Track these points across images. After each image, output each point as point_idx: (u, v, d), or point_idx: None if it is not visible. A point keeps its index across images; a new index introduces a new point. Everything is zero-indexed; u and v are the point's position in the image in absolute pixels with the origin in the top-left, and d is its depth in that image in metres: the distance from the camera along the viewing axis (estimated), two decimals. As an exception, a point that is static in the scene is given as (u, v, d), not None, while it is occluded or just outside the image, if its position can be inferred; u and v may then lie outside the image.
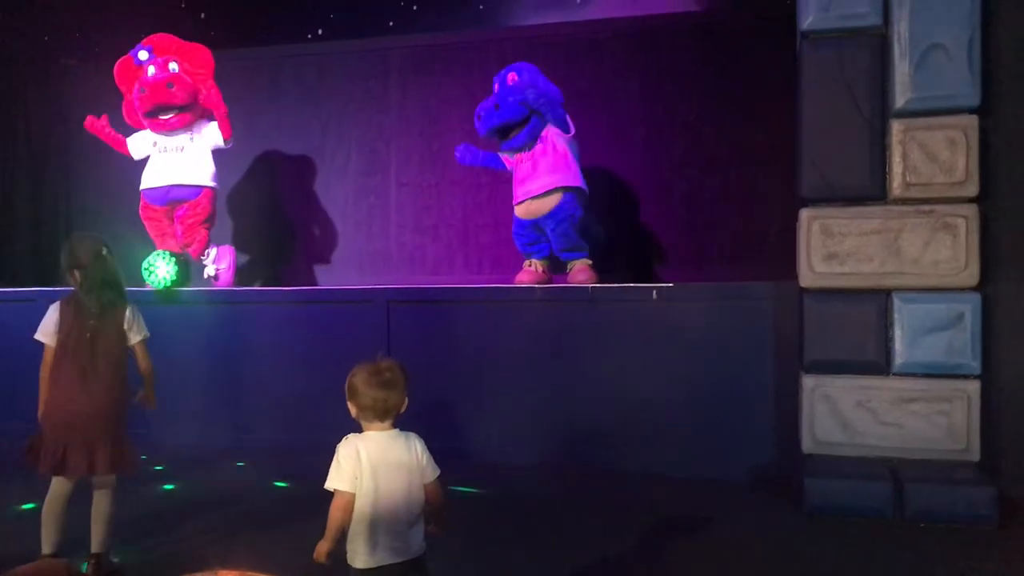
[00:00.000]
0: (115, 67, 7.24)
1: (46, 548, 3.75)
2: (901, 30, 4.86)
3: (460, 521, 4.67)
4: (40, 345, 3.79)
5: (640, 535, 4.44)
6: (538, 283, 6.43)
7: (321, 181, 8.35)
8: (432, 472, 2.87)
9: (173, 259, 7.01)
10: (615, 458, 5.69)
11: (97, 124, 7.27)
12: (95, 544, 3.78)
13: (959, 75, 4.78)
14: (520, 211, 6.54)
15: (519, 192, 6.51)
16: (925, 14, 4.81)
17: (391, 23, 7.90)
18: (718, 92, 7.12)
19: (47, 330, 3.75)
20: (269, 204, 8.47)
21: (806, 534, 4.43)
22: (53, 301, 3.85)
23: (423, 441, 2.92)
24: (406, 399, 2.97)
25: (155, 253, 7.03)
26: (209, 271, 7.15)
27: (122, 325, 3.79)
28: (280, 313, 6.62)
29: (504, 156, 6.69)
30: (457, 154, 6.89)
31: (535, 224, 6.49)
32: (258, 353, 6.55)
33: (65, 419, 3.67)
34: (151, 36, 7.24)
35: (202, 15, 8.20)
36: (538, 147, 6.40)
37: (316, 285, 7.97)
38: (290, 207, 8.47)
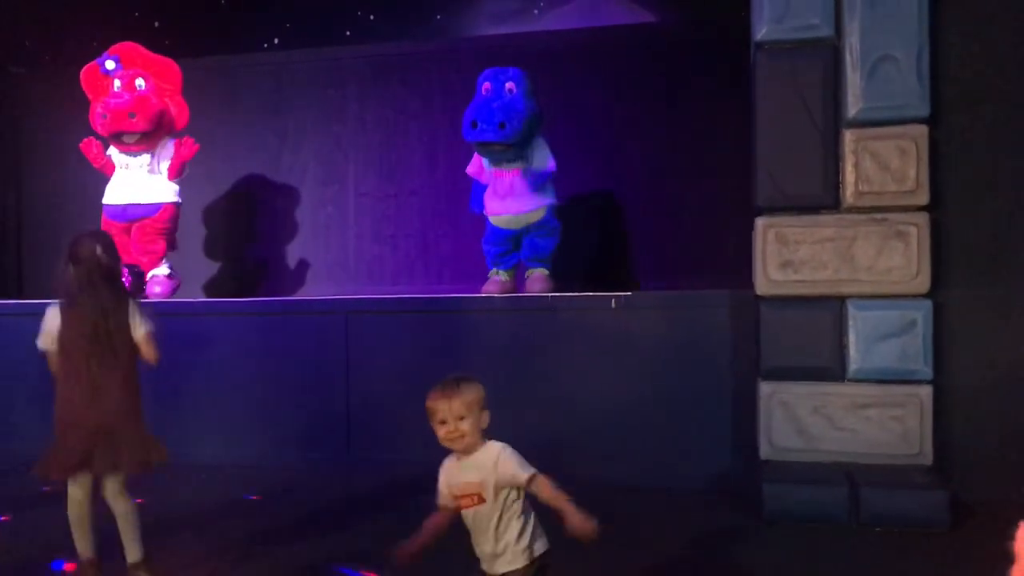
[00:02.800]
0: (81, 73, 7.17)
1: (86, 553, 3.68)
2: (853, 42, 4.94)
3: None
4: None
5: (597, 544, 4.43)
6: (505, 293, 6.43)
7: (278, 191, 8.28)
8: None
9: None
10: (573, 467, 5.65)
11: (92, 151, 7.16)
12: (135, 552, 3.71)
13: (909, 86, 4.87)
14: (500, 222, 6.52)
15: (501, 205, 6.47)
16: (876, 26, 4.90)
17: (348, 33, 7.88)
18: (674, 102, 7.18)
19: (49, 335, 3.65)
20: (225, 214, 8.38)
21: (764, 540, 4.46)
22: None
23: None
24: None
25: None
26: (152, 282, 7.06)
27: (126, 320, 3.68)
28: (236, 324, 6.53)
29: (483, 167, 6.61)
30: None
31: (513, 235, 6.51)
32: (213, 365, 6.46)
33: (83, 421, 3.58)
34: (119, 44, 7.17)
35: (156, 24, 8.11)
36: (518, 170, 6.41)
37: (274, 296, 7.89)
38: (247, 217, 8.38)
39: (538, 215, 6.46)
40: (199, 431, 6.41)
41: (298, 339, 6.35)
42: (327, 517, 4.99)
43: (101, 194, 7.33)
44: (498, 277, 6.59)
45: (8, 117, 8.74)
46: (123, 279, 3.85)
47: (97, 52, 7.26)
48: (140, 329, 3.73)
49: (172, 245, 7.43)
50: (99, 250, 3.67)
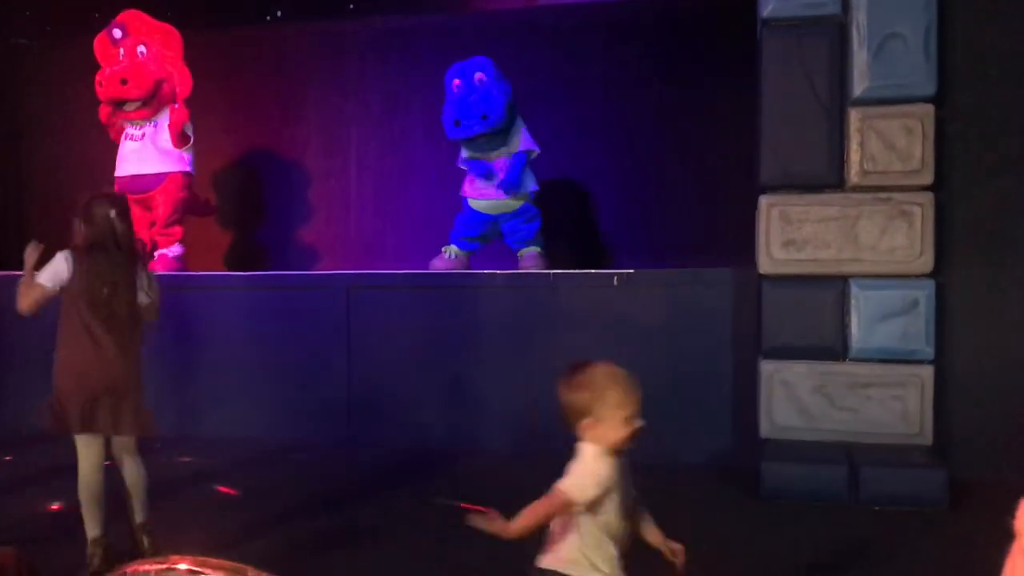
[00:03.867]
0: (94, 43, 7.18)
1: (95, 530, 3.61)
2: (860, 19, 4.90)
3: (429, 511, 4.69)
4: None
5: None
6: (453, 269, 6.48)
7: (280, 165, 8.24)
8: None
9: None
10: (574, 444, 5.69)
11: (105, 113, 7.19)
12: (141, 513, 3.70)
13: (916, 64, 4.84)
14: (481, 206, 6.54)
15: (483, 191, 6.49)
16: (883, 4, 4.86)
17: (351, 5, 7.81)
18: (678, 79, 7.12)
19: (56, 276, 3.57)
20: (227, 188, 8.34)
21: (763, 518, 4.47)
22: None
23: None
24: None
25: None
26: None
27: (133, 285, 3.65)
28: (237, 298, 6.54)
29: (465, 155, 6.64)
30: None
31: (489, 220, 6.52)
32: (214, 339, 6.47)
33: (89, 377, 3.55)
34: (125, 13, 7.17)
35: (160, -6, 8.04)
36: (504, 152, 6.44)
37: (275, 270, 7.88)
38: (248, 191, 8.35)
39: (517, 203, 6.47)
40: (200, 404, 6.43)
41: (299, 314, 6.35)
42: (327, 490, 5.01)
43: (103, 165, 7.31)
44: (447, 255, 6.60)
45: (10, 88, 8.69)
46: (136, 244, 3.80)
47: (100, 23, 7.24)
48: (147, 297, 3.70)
49: (205, 212, 7.49)
50: (113, 214, 3.64)
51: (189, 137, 7.17)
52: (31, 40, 8.61)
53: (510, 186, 6.37)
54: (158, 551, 3.58)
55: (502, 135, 6.39)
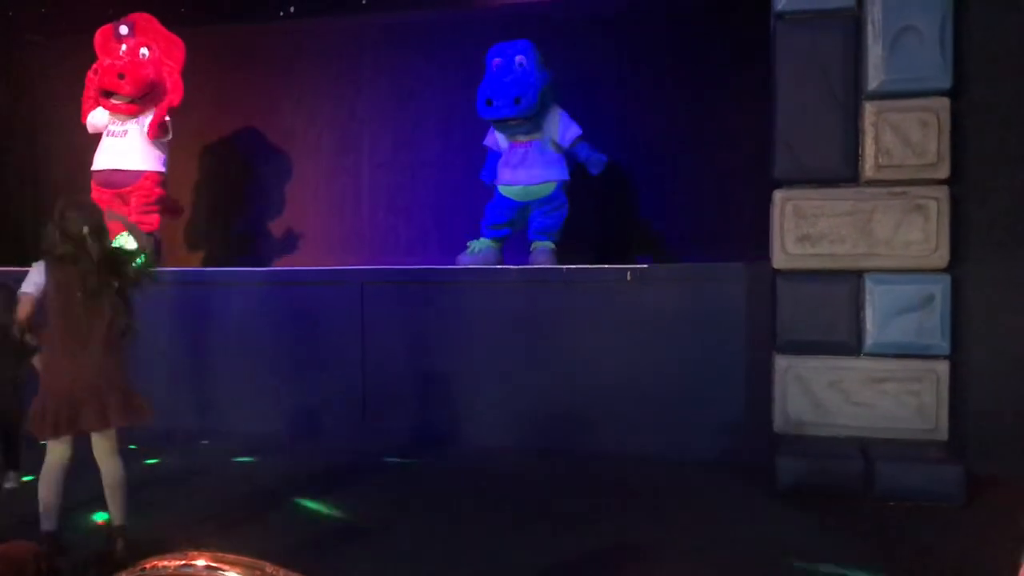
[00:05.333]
0: (95, 35, 7.26)
1: (47, 524, 3.67)
2: (874, 12, 4.87)
3: (443, 504, 4.70)
4: None
5: (614, 515, 4.46)
6: (485, 264, 6.47)
7: (293, 160, 8.26)
8: None
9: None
10: (590, 439, 5.70)
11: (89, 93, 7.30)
12: (117, 516, 3.72)
13: (931, 58, 4.80)
14: (510, 192, 6.54)
15: (512, 175, 6.50)
16: (899, -4, 4.83)
17: (363, 1, 7.81)
18: (691, 73, 7.09)
19: (37, 287, 3.66)
20: (240, 183, 8.37)
21: (778, 512, 4.47)
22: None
23: None
24: None
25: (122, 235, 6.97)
26: None
27: (109, 282, 3.69)
28: (252, 294, 6.56)
29: (498, 137, 6.67)
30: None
31: (519, 208, 6.50)
32: (228, 334, 6.50)
33: (71, 380, 3.62)
34: (136, 13, 7.27)
35: (170, -9, 8.06)
36: (536, 141, 6.45)
37: (289, 266, 7.91)
38: (262, 187, 8.37)
39: (547, 189, 6.47)
40: (214, 399, 6.46)
41: (313, 309, 6.37)
42: (341, 483, 5.03)
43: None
44: (472, 250, 6.58)
45: (25, 84, 8.74)
46: (108, 248, 3.82)
47: (113, 19, 7.29)
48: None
49: (174, 212, 7.56)
50: (86, 230, 3.66)
51: (168, 131, 7.25)
52: (46, 37, 8.65)
53: (600, 161, 6.42)
54: (132, 555, 3.57)
55: (535, 120, 6.40)
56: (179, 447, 5.88)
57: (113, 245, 3.88)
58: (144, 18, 7.24)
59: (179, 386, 6.47)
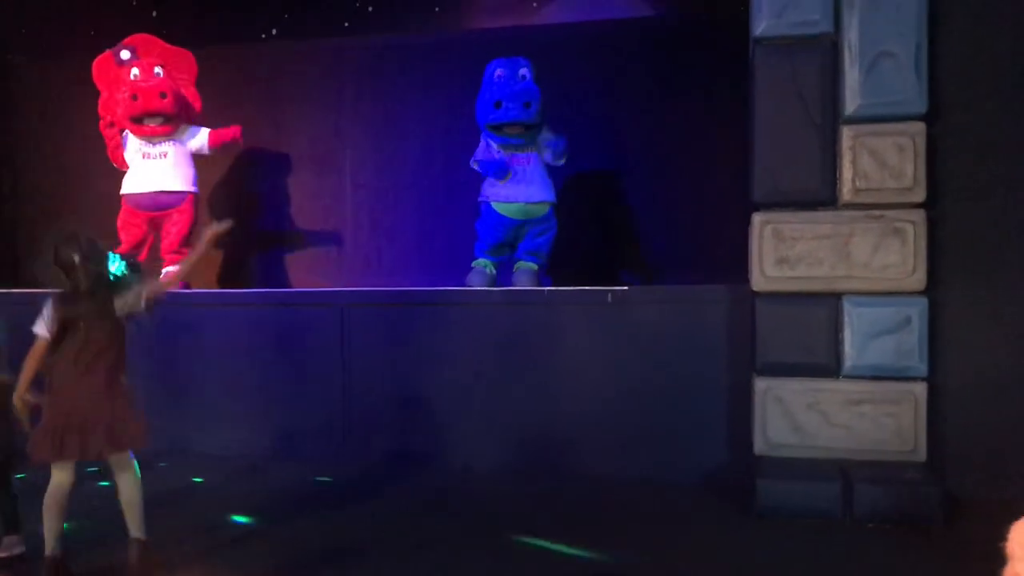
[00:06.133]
0: (94, 64, 7.25)
1: (52, 547, 3.71)
2: (851, 37, 4.94)
3: (426, 528, 4.68)
4: None
5: (593, 537, 4.45)
6: (488, 287, 6.42)
7: (275, 182, 8.26)
8: None
9: (123, 263, 6.92)
10: (571, 460, 5.70)
11: (111, 134, 7.29)
12: (135, 529, 3.80)
13: (907, 82, 4.87)
14: (508, 209, 6.45)
15: (512, 192, 6.42)
16: (874, 22, 4.89)
17: (346, 24, 7.84)
18: (671, 97, 7.15)
19: (44, 324, 3.75)
20: (221, 205, 8.35)
21: (758, 535, 4.47)
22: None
23: None
24: None
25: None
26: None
27: (111, 309, 3.77)
28: (232, 316, 6.53)
29: (493, 150, 6.56)
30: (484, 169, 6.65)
31: (514, 226, 6.47)
32: (209, 357, 6.46)
33: (75, 407, 3.69)
34: (134, 36, 7.26)
35: (154, 13, 8.07)
36: (534, 154, 6.45)
37: (270, 288, 7.88)
38: (242, 208, 8.35)
39: (544, 209, 6.45)
40: (193, 422, 6.42)
41: (294, 331, 6.35)
42: (323, 509, 5.00)
43: (98, 182, 7.32)
44: (487, 270, 6.52)
45: (6, 105, 8.71)
46: (107, 267, 3.87)
47: (96, 40, 7.28)
48: (137, 301, 3.80)
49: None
50: (77, 259, 3.74)
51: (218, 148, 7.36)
52: (28, 58, 8.63)
53: (560, 152, 6.43)
54: (150, 568, 3.75)
55: (531, 135, 6.40)
56: (156, 468, 5.83)
57: (111, 270, 3.91)
58: (145, 39, 7.26)
59: (154, 407, 6.41)
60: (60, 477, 3.75)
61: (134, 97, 6.91)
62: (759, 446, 5.09)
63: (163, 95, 6.91)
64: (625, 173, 7.36)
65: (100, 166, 7.41)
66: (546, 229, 6.50)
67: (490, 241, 6.56)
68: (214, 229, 3.98)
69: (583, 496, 5.25)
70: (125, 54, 7.13)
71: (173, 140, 7.16)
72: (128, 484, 3.82)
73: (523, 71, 6.41)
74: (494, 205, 6.49)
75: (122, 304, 3.78)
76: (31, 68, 8.57)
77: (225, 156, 8.21)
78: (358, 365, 6.18)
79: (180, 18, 7.93)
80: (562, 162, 6.57)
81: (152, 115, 6.96)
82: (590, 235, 7.46)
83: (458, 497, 5.25)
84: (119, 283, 3.82)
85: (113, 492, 3.89)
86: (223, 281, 8.19)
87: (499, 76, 6.41)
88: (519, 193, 6.41)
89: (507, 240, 6.55)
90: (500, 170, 6.39)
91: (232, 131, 7.26)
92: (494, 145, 6.48)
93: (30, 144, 8.55)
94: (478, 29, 7.82)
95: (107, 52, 7.20)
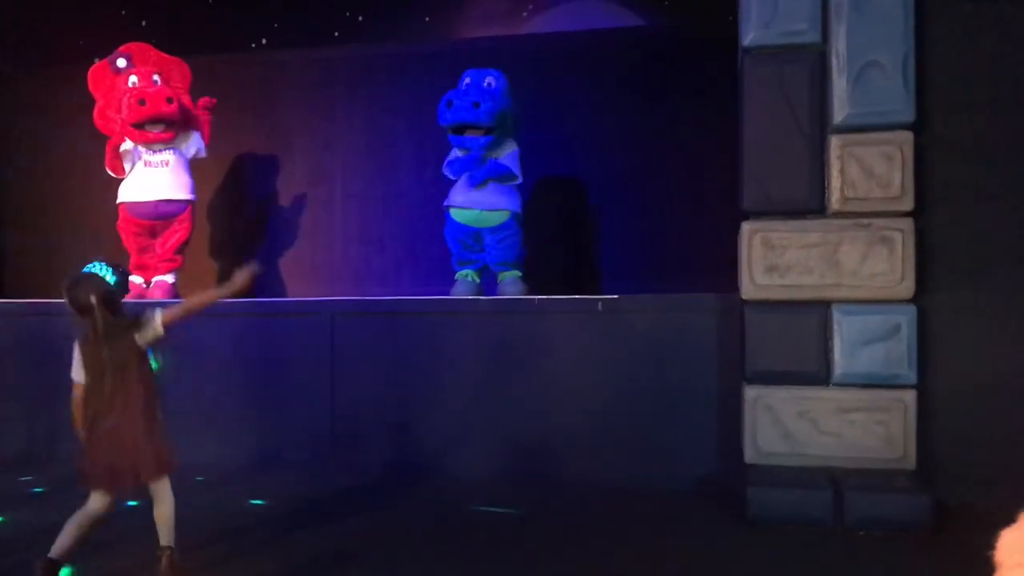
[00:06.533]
0: (90, 72, 7.23)
1: (54, 551, 3.72)
2: (839, 47, 4.96)
3: (414, 537, 4.66)
4: None
5: (583, 547, 4.44)
6: (473, 295, 6.44)
7: (265, 191, 8.25)
8: None
9: (110, 270, 6.89)
10: (561, 469, 5.69)
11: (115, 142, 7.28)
12: (165, 538, 3.87)
13: (895, 92, 4.89)
14: (460, 216, 6.51)
15: (467, 198, 6.45)
16: (862, 32, 4.92)
17: (336, 33, 7.86)
18: (661, 107, 7.19)
19: (76, 368, 3.84)
20: (211, 215, 8.34)
21: (748, 543, 4.47)
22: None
23: None
24: None
25: (94, 264, 6.89)
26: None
27: (133, 343, 3.83)
28: (221, 325, 6.50)
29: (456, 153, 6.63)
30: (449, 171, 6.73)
31: (476, 232, 6.50)
32: (198, 366, 6.43)
33: (107, 444, 3.76)
34: (129, 44, 7.25)
35: (144, 23, 8.07)
36: (491, 162, 6.42)
37: (259, 297, 7.86)
38: (233, 218, 8.35)
39: (501, 217, 6.43)
40: (183, 432, 6.36)
41: (284, 340, 6.33)
42: (312, 518, 4.98)
43: (85, 194, 7.30)
44: (468, 279, 6.57)
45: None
46: (121, 305, 3.97)
47: (85, 50, 7.28)
48: (151, 333, 3.86)
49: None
50: (94, 300, 3.77)
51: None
52: (16, 68, 8.61)
53: (480, 178, 6.38)
54: (176, 572, 3.84)
55: (493, 142, 6.38)
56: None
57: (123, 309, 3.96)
58: (140, 47, 7.26)
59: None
60: (95, 502, 3.79)
61: (141, 102, 6.85)
62: (749, 454, 5.09)
63: (170, 100, 6.91)
64: (614, 182, 7.39)
65: (90, 175, 7.38)
66: (505, 237, 6.47)
67: (455, 251, 6.64)
68: (245, 274, 4.05)
69: (573, 505, 5.24)
70: (121, 62, 7.12)
71: (174, 148, 7.14)
72: (165, 503, 3.89)
73: (490, 79, 6.43)
74: (452, 212, 6.55)
75: (142, 339, 3.83)
76: (19, 78, 8.55)
77: (217, 164, 8.22)
78: (347, 374, 6.17)
79: (170, 28, 7.94)
80: (515, 182, 6.53)
81: (156, 121, 6.94)
82: (580, 243, 7.48)
83: (447, 506, 5.23)
84: (137, 320, 3.84)
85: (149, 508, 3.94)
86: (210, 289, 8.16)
87: (465, 84, 6.46)
88: (474, 200, 6.43)
89: (466, 247, 6.58)
90: (460, 168, 6.50)
91: (205, 101, 7.28)
92: (457, 151, 6.55)
93: (17, 154, 8.52)
94: (468, 39, 7.85)
95: (103, 61, 7.18)
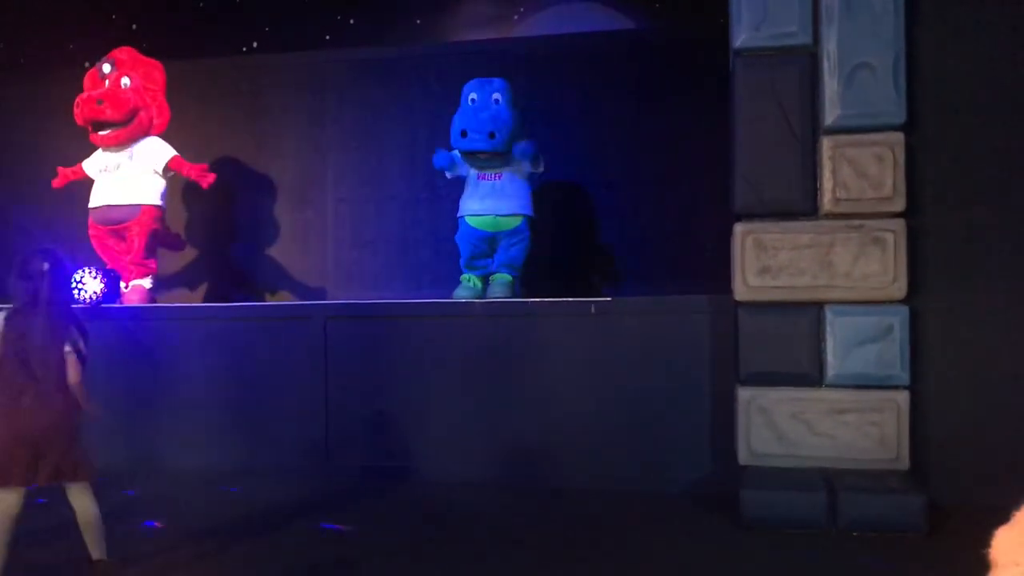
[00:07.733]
0: (85, 77, 7.23)
1: None
2: (830, 49, 4.98)
3: (409, 540, 4.65)
4: None
5: (578, 550, 4.44)
6: (476, 299, 6.44)
7: (257, 196, 8.23)
8: None
9: (98, 275, 6.88)
10: (554, 473, 5.69)
11: (66, 175, 7.23)
12: (96, 551, 3.74)
13: (885, 93, 4.91)
14: (477, 222, 6.53)
15: (480, 205, 6.50)
16: (853, 34, 4.94)
17: (327, 37, 7.85)
18: (652, 109, 7.20)
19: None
20: (203, 219, 8.32)
21: (743, 545, 4.47)
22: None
23: None
24: None
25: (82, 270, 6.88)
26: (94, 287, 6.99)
27: (62, 336, 3.69)
28: (214, 330, 6.48)
29: (466, 171, 6.66)
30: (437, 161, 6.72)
31: (491, 237, 6.52)
32: (191, 371, 6.41)
33: (22, 432, 3.59)
34: (117, 49, 7.23)
35: (134, 26, 8.05)
36: (506, 170, 6.49)
37: (252, 301, 7.85)
38: (225, 222, 8.32)
39: (515, 221, 6.49)
40: (176, 436, 6.36)
41: (277, 345, 6.31)
42: (307, 522, 4.96)
43: (70, 198, 7.28)
44: (470, 283, 6.60)
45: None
46: (69, 296, 3.85)
47: (75, 54, 7.27)
48: (67, 346, 3.72)
49: (176, 246, 7.53)
50: (46, 266, 3.69)
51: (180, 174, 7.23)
52: (5, 72, 8.57)
53: (531, 156, 6.46)
54: None
55: (504, 156, 6.44)
56: (143, 483, 5.77)
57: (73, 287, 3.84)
58: (124, 51, 7.24)
59: (138, 422, 6.37)
60: (5, 503, 3.59)
61: (77, 106, 6.90)
62: (743, 456, 5.09)
63: (99, 101, 6.84)
64: (607, 184, 7.39)
65: (80, 181, 7.35)
66: (518, 241, 6.53)
67: (465, 254, 6.64)
68: (95, 411, 3.85)
69: (567, 507, 5.23)
70: (107, 67, 7.11)
71: (129, 151, 7.07)
72: (85, 508, 3.73)
73: (496, 95, 6.46)
74: (467, 219, 6.58)
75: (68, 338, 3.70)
76: (8, 82, 8.51)
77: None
78: (340, 377, 6.15)
79: (161, 32, 7.93)
80: (542, 168, 6.61)
81: (96, 124, 6.92)
82: (573, 246, 7.48)
83: (442, 510, 5.22)
84: (70, 334, 3.71)
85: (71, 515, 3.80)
86: (205, 295, 8.15)
87: (472, 100, 6.47)
88: (488, 207, 6.48)
89: (480, 252, 6.60)
90: (449, 163, 6.58)
91: (198, 168, 7.09)
92: (467, 165, 6.60)
93: (4, 157, 8.48)
94: (460, 42, 7.85)
95: (95, 66, 7.19)
